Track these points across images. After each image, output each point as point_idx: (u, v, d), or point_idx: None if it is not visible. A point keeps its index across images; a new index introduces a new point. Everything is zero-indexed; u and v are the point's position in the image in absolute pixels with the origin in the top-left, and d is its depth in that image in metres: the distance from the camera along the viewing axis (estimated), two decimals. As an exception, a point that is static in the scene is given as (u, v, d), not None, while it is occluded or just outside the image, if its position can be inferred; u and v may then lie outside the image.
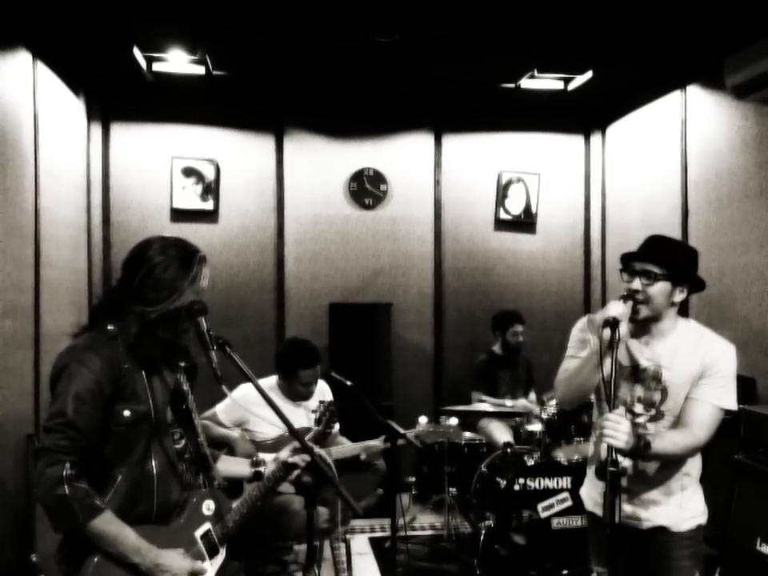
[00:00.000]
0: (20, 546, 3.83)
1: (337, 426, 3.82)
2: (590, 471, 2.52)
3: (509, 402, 5.00)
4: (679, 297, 2.28)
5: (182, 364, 2.10)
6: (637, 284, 2.24)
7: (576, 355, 2.39)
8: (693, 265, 2.34)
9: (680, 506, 2.32)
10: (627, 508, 2.30)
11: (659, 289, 2.23)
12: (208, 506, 2.06)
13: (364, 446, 3.63)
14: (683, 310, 2.39)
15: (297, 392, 3.61)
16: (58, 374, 1.88)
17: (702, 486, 2.41)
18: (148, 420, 1.93)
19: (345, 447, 3.63)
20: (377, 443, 3.63)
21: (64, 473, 1.78)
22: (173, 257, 1.94)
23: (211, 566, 2.04)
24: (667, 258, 2.25)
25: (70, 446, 1.80)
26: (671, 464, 2.31)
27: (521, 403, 5.04)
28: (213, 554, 2.05)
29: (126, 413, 1.89)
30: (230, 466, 2.29)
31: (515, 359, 5.30)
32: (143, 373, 1.95)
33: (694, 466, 2.36)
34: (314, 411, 2.98)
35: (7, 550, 3.75)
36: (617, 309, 2.17)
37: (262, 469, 2.26)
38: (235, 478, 2.31)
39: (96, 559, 1.83)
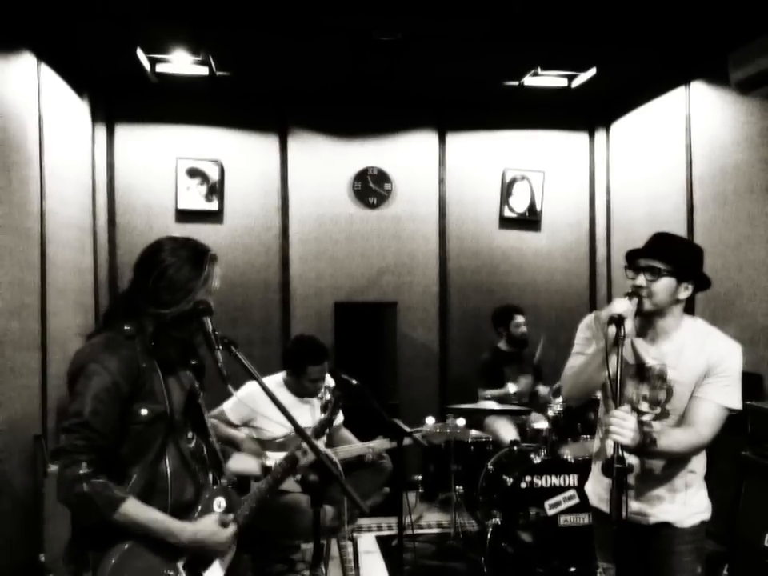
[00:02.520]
0: (29, 546, 3.84)
1: (341, 418, 3.83)
2: (595, 467, 2.53)
3: (512, 388, 5.02)
4: (684, 294, 2.28)
5: (193, 362, 2.12)
6: (641, 280, 2.25)
7: (582, 352, 2.40)
8: (697, 262, 2.34)
9: (684, 503, 2.33)
10: (633, 505, 2.30)
11: (663, 285, 2.23)
12: (219, 503, 2.07)
13: (369, 446, 3.63)
14: (689, 307, 2.38)
15: (305, 388, 3.62)
16: (76, 374, 1.90)
17: (708, 482, 2.41)
18: (164, 419, 1.95)
19: (352, 447, 3.64)
20: (382, 442, 3.63)
21: (81, 471, 1.80)
22: (184, 258, 1.96)
23: (222, 561, 2.05)
24: (671, 254, 2.26)
25: (86, 446, 1.82)
26: (676, 461, 2.31)
27: (523, 383, 5.08)
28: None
29: (144, 411, 1.90)
30: (240, 463, 2.34)
31: (521, 354, 5.30)
32: (159, 372, 1.97)
33: (699, 463, 2.37)
34: (319, 398, 3.00)
35: (16, 549, 3.76)
36: (622, 306, 2.17)
37: (270, 463, 2.30)
38: (244, 475, 2.36)
39: (113, 561, 1.84)
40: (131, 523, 1.84)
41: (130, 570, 1.85)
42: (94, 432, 1.83)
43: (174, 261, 1.95)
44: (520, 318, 5.26)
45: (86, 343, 1.98)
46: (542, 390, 5.15)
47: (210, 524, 1.97)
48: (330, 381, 3.74)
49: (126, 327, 1.94)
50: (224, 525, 2.00)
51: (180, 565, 1.93)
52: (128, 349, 1.91)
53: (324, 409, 2.91)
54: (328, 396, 2.90)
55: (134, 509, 1.84)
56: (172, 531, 1.89)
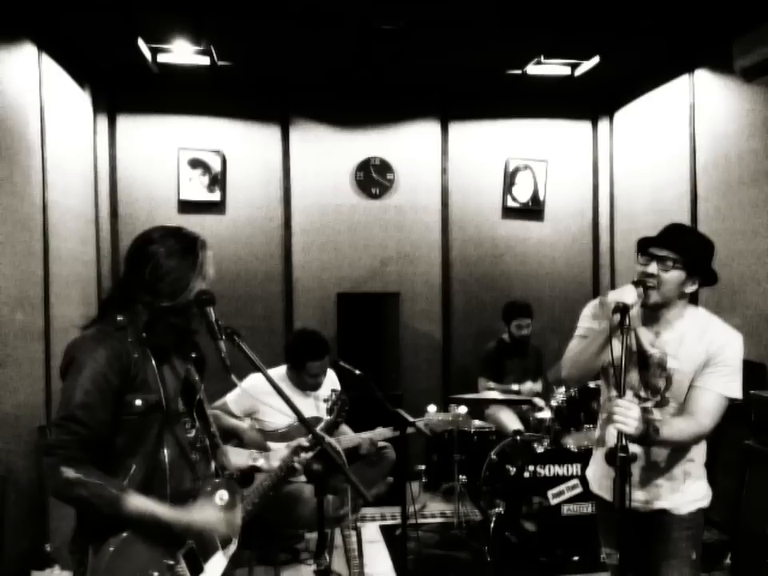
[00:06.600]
0: (34, 536, 3.86)
1: None
2: (597, 453, 2.55)
3: (515, 387, 5.01)
4: (690, 288, 2.29)
5: (192, 355, 2.11)
6: (653, 268, 2.25)
7: (584, 335, 2.41)
8: (709, 257, 2.35)
9: (682, 491, 2.35)
10: (633, 493, 2.30)
11: (673, 276, 2.24)
12: (221, 496, 2.06)
13: (373, 435, 3.64)
14: (693, 297, 2.38)
15: (305, 383, 3.62)
16: (66, 367, 1.89)
17: (711, 471, 2.42)
18: (159, 409, 1.93)
19: (354, 436, 3.64)
20: (386, 432, 3.63)
21: (72, 475, 1.79)
22: (175, 247, 1.94)
23: (223, 556, 2.05)
24: (686, 246, 2.26)
25: (71, 440, 1.81)
26: (676, 450, 2.33)
27: (527, 387, 5.04)
28: (225, 543, 2.06)
29: (138, 402, 1.90)
30: (231, 457, 2.31)
31: (524, 349, 5.28)
32: (153, 362, 1.95)
33: (698, 452, 2.38)
34: (325, 400, 2.99)
35: (22, 539, 3.78)
36: (631, 295, 2.18)
37: (259, 463, 2.27)
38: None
39: (111, 549, 1.84)
40: (134, 516, 1.83)
41: (128, 558, 1.85)
42: (81, 425, 1.82)
43: (165, 251, 1.92)
44: (523, 321, 5.15)
45: (77, 336, 1.97)
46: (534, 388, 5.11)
47: (212, 510, 1.96)
48: (335, 384, 3.74)
49: (118, 318, 1.93)
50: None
51: (180, 554, 1.94)
52: (118, 340, 1.90)
53: (330, 411, 2.90)
54: (334, 398, 2.90)
55: (134, 503, 1.83)
56: (170, 517, 1.87)
